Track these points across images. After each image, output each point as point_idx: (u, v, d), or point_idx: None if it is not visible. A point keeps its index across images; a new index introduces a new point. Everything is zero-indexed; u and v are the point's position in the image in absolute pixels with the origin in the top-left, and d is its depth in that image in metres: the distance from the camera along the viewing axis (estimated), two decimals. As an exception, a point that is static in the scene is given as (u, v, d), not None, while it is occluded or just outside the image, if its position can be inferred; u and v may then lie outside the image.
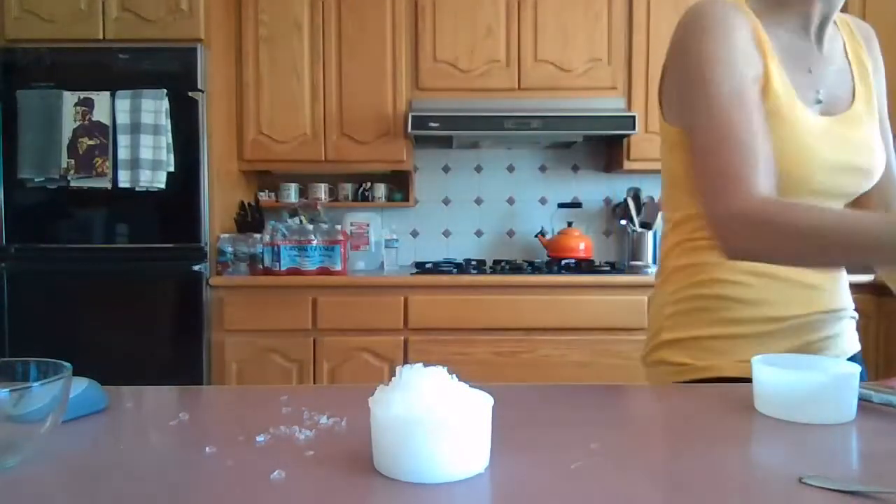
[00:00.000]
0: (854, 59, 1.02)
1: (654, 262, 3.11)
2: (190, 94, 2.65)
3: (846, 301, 1.06)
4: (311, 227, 2.84)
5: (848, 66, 1.01)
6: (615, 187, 3.32)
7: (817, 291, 1.02)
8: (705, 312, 1.01)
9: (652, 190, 3.19)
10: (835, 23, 1.03)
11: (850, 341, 1.07)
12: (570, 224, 3.18)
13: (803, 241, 0.84)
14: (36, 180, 2.61)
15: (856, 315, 1.10)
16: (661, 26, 3.00)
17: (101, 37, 2.69)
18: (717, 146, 0.89)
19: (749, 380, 0.81)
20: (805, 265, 0.96)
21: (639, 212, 3.13)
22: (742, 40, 0.91)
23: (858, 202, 1.06)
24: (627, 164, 3.04)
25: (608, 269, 2.90)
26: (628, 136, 2.99)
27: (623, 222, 3.15)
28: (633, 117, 2.91)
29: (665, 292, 1.07)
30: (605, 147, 3.27)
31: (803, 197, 0.94)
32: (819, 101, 0.97)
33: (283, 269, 2.77)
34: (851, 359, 1.06)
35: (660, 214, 3.05)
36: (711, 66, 0.91)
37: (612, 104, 2.98)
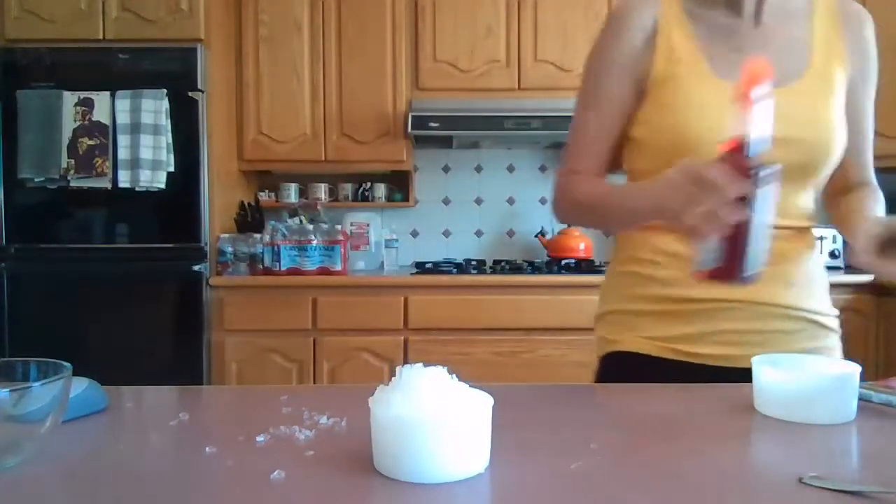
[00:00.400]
0: (820, 36, 1.01)
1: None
2: (190, 94, 2.65)
3: (789, 298, 0.99)
4: (311, 227, 2.84)
5: (809, 43, 1.00)
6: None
7: None
8: (621, 288, 1.07)
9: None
10: (811, 3, 1.02)
11: (788, 342, 1.00)
12: (569, 224, 3.18)
13: (589, 212, 1.02)
14: (36, 180, 2.61)
15: (819, 318, 1.02)
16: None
17: (101, 37, 2.69)
18: (569, 135, 1.07)
19: (647, 356, 0.98)
20: (606, 230, 1.09)
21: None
22: (631, 41, 1.00)
23: (832, 186, 1.06)
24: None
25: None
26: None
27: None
28: (633, 117, 2.92)
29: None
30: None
31: None
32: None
33: (283, 269, 2.77)
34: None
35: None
36: (590, 65, 1.04)
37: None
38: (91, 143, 2.59)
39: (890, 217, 0.91)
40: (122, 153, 2.59)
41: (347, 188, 3.26)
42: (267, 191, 3.25)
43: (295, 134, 3.00)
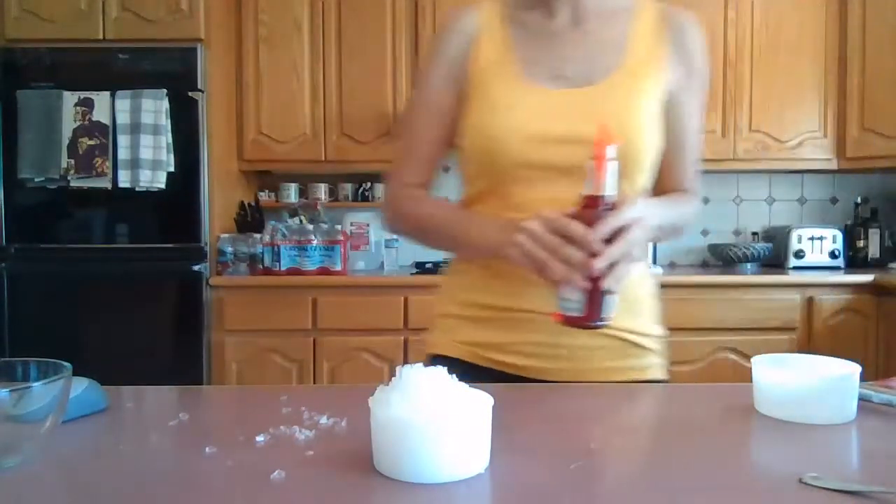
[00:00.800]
0: (638, 39, 0.99)
1: (655, 261, 3.12)
2: (190, 94, 2.65)
3: (619, 320, 0.92)
4: (311, 227, 2.84)
5: (624, 48, 0.99)
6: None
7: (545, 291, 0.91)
8: (447, 291, 1.08)
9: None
10: (634, 6, 1.02)
11: (594, 358, 0.97)
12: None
13: (418, 232, 1.05)
14: (36, 180, 2.61)
15: (632, 337, 0.99)
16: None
17: (101, 37, 2.69)
18: (398, 142, 1.08)
19: (461, 361, 0.98)
20: (431, 247, 1.09)
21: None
22: (452, 48, 1.01)
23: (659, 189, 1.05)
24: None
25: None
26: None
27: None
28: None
29: None
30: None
31: (521, 169, 0.94)
32: (561, 77, 0.96)
33: (283, 269, 2.77)
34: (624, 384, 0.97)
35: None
36: (419, 74, 1.07)
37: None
38: (91, 143, 2.59)
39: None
40: (122, 153, 2.59)
41: (347, 188, 3.25)
42: (267, 191, 3.25)
43: (295, 134, 3.00)
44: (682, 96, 1.02)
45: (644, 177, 0.99)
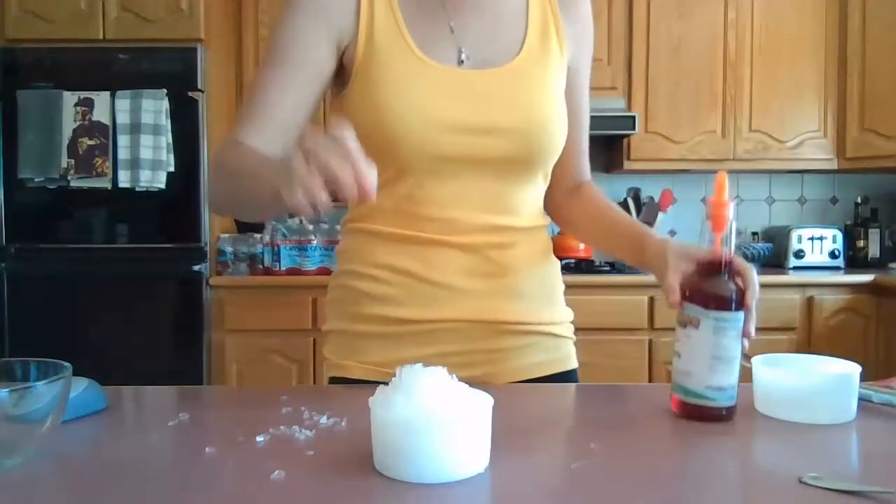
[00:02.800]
0: (536, 14, 0.91)
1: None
2: (190, 94, 2.65)
3: (520, 314, 0.91)
4: (311, 226, 2.84)
5: (524, 20, 0.90)
6: (615, 187, 3.31)
7: (466, 297, 0.88)
8: (343, 304, 0.94)
9: (652, 190, 3.19)
10: None
11: (519, 357, 0.92)
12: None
13: (224, 193, 0.85)
14: (36, 180, 2.61)
15: (553, 329, 0.96)
16: (660, 26, 3.01)
17: (101, 37, 2.69)
18: (246, 98, 0.89)
19: (375, 382, 0.74)
20: (239, 215, 0.99)
21: (639, 212, 3.13)
22: (331, 6, 0.85)
23: (554, 183, 0.97)
24: (627, 164, 3.05)
25: (608, 268, 2.90)
26: (628, 135, 2.99)
27: (623, 222, 3.14)
28: (634, 117, 2.92)
29: None
30: (605, 147, 3.27)
31: (427, 160, 0.84)
32: (460, 55, 0.87)
33: (282, 268, 2.77)
34: (544, 379, 0.94)
35: (660, 215, 3.05)
36: (283, 19, 0.87)
37: (612, 104, 2.98)
38: (91, 143, 2.59)
39: (684, 246, 0.81)
40: (122, 153, 2.59)
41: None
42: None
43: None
44: (578, 73, 0.96)
45: (553, 163, 0.93)
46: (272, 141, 0.84)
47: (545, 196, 0.97)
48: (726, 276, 0.75)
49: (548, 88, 0.89)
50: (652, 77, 3.02)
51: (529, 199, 0.92)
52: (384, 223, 0.89)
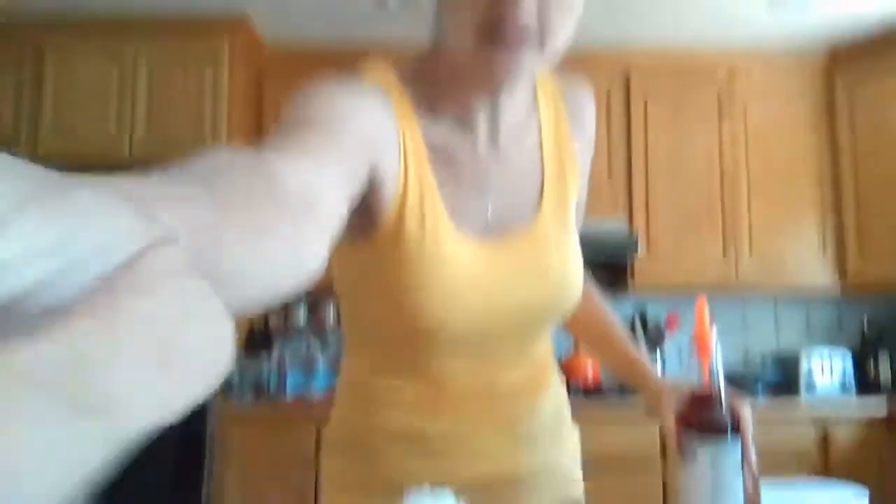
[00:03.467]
0: (552, 150, 0.81)
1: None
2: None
3: (544, 459, 0.89)
4: (318, 348, 2.83)
5: (539, 162, 0.80)
6: (621, 309, 3.32)
7: (479, 452, 0.85)
8: (341, 475, 0.90)
9: (659, 311, 3.21)
10: (536, 101, 0.81)
11: (539, 497, 0.89)
12: (576, 347, 3.17)
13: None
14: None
15: (567, 468, 0.94)
16: (658, 147, 3.13)
17: (127, 155, 2.83)
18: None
19: None
20: None
21: (646, 334, 3.13)
22: (367, 126, 0.65)
23: None
24: (633, 286, 3.08)
25: (617, 393, 2.85)
26: (632, 257, 3.05)
27: (630, 345, 3.13)
28: (636, 239, 2.99)
29: None
30: (609, 268, 3.31)
31: (458, 340, 0.76)
32: (481, 223, 0.75)
33: (288, 396, 2.74)
34: None
35: (666, 338, 3.05)
36: (320, 94, 0.63)
37: (614, 227, 3.05)
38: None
39: (676, 383, 0.82)
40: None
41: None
42: (276, 313, 3.26)
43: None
44: (581, 190, 0.91)
45: None
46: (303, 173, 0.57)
47: None
48: (718, 403, 0.75)
49: (570, 244, 0.83)
50: (652, 199, 3.11)
51: (544, 338, 0.91)
52: (397, 389, 0.82)
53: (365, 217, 0.70)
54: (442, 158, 0.73)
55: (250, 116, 3.12)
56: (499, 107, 0.74)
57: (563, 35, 0.66)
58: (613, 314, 1.00)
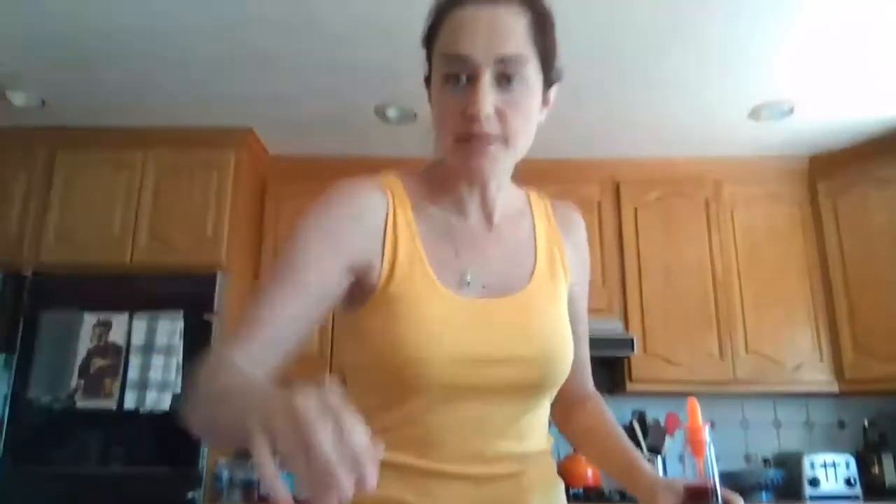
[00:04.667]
0: (543, 242, 0.95)
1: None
2: (205, 317, 2.75)
3: None
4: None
5: (533, 250, 0.93)
6: (620, 409, 3.26)
7: None
8: None
9: (657, 412, 3.16)
10: (529, 205, 0.98)
11: None
12: (575, 450, 3.10)
13: (196, 397, 0.71)
14: (43, 400, 2.61)
15: None
16: (650, 251, 3.21)
17: (128, 261, 2.87)
18: (245, 310, 0.81)
19: None
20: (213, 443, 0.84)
21: (645, 435, 3.07)
22: (353, 237, 0.84)
23: (559, 398, 0.95)
24: (630, 386, 3.06)
25: (619, 498, 2.78)
26: (628, 357, 3.05)
27: (630, 446, 3.07)
28: (632, 339, 3.00)
29: None
30: (606, 368, 3.31)
31: (447, 392, 0.81)
32: (476, 285, 0.87)
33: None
34: None
35: (667, 439, 3.00)
36: (297, 235, 0.83)
37: (609, 326, 3.08)
38: (103, 363, 2.64)
39: (671, 480, 0.84)
40: (133, 373, 2.62)
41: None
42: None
43: (303, 352, 3.04)
44: (579, 290, 1.00)
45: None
46: (258, 358, 0.76)
47: (551, 409, 0.97)
48: (713, 497, 0.76)
49: (559, 316, 0.91)
50: (646, 300, 3.15)
51: (537, 422, 0.91)
52: (386, 448, 0.82)
53: (363, 288, 0.85)
54: (435, 232, 0.89)
55: (251, 224, 3.20)
56: (487, 196, 0.91)
57: (523, 135, 0.83)
58: (610, 414, 1.02)
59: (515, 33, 0.81)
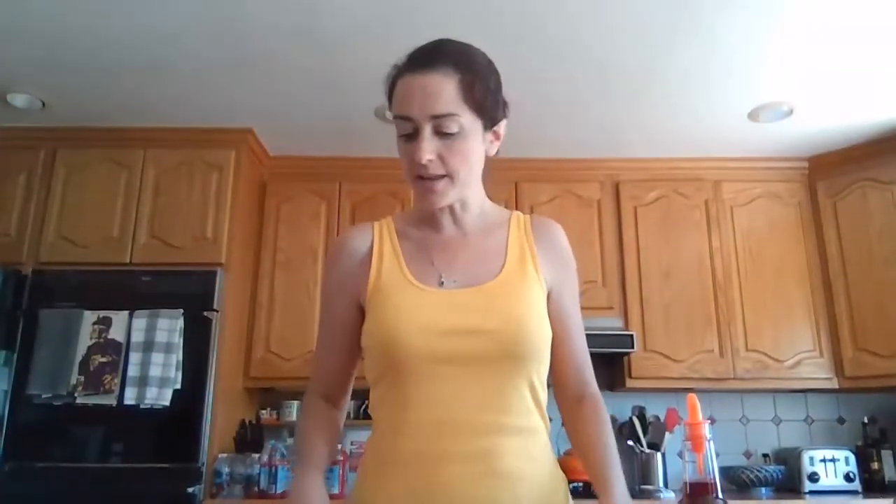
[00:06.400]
0: (514, 248, 1.07)
1: (666, 484, 2.99)
2: (205, 313, 2.76)
3: None
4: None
5: (504, 254, 1.06)
6: (619, 406, 3.29)
7: None
8: None
9: (657, 408, 3.17)
10: (508, 222, 1.11)
11: None
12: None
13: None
14: (43, 396, 2.62)
15: None
16: (649, 248, 3.22)
17: (128, 261, 2.87)
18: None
19: None
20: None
21: (645, 431, 3.08)
22: (347, 266, 1.08)
23: (558, 393, 1.06)
24: (630, 382, 3.07)
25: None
26: (628, 354, 3.06)
27: (630, 443, 3.08)
28: (632, 336, 3.01)
29: None
30: (606, 365, 3.31)
31: (423, 363, 0.95)
32: (450, 282, 1.02)
33: (278, 491, 2.67)
34: None
35: (666, 435, 3.01)
36: (321, 291, 1.17)
37: (609, 323, 3.09)
38: (103, 360, 2.65)
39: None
40: (133, 370, 2.62)
41: (350, 405, 3.23)
42: (269, 408, 3.23)
43: (302, 351, 3.06)
44: (563, 293, 1.07)
45: (544, 367, 1.01)
46: (332, 385, 1.11)
47: (558, 405, 1.06)
48: (714, 493, 0.76)
49: (524, 298, 1.01)
50: (646, 298, 3.16)
51: (519, 399, 0.97)
52: (383, 433, 1.01)
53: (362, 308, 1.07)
54: (415, 248, 1.08)
55: (251, 224, 3.20)
56: (455, 214, 1.09)
57: (464, 171, 1.00)
58: (601, 423, 1.03)
59: (443, 94, 0.96)
